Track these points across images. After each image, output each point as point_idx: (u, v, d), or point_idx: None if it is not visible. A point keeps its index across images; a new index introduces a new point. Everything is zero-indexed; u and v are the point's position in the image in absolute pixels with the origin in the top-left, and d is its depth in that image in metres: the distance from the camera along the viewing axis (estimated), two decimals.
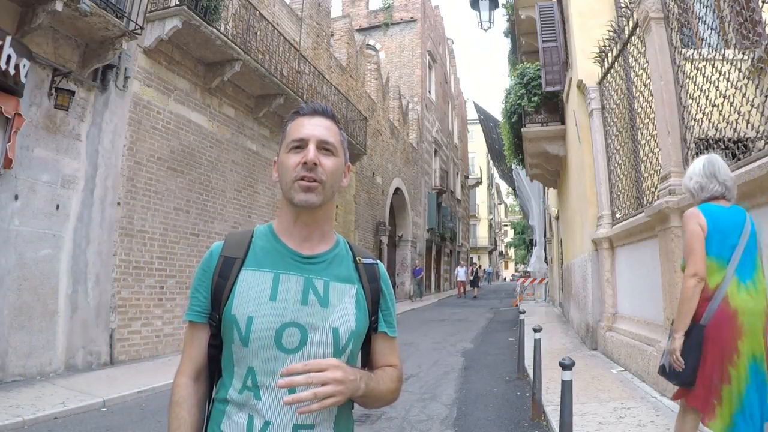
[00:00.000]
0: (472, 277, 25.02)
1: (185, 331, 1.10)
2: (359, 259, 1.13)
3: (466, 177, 38.71)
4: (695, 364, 2.26)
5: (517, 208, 40.55)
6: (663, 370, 2.44)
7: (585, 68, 7.18)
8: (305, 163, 1.01)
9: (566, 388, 2.98)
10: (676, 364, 2.30)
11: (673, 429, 3.41)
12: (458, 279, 24.65)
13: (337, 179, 1.06)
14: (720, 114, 3.59)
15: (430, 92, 26.19)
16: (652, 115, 4.92)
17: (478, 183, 44.20)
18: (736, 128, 3.39)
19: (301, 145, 1.03)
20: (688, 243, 2.32)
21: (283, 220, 1.09)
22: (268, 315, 0.98)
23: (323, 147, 1.04)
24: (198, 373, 1.06)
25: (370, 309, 1.09)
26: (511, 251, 59.61)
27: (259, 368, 0.97)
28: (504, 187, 49.13)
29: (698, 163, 2.49)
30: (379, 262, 1.18)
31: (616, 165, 6.52)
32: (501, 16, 17.61)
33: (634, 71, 5.53)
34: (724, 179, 2.40)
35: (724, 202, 2.39)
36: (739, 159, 3.30)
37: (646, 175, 5.24)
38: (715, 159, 2.47)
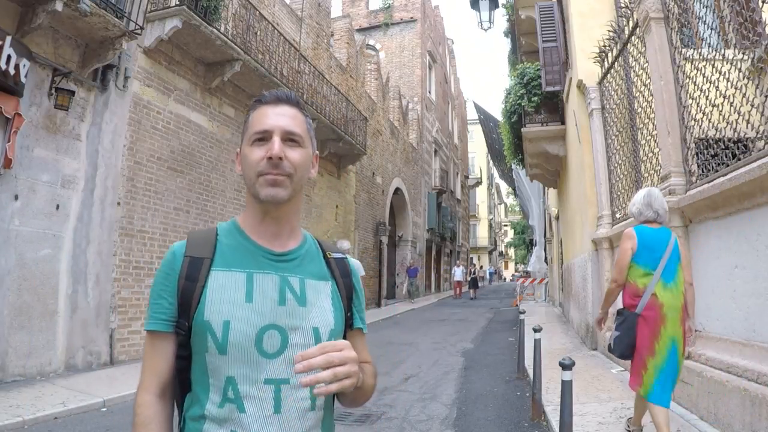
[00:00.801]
0: (470, 278, 24.36)
1: (145, 342, 0.99)
2: (330, 254, 1.08)
3: (466, 177, 38.71)
4: (632, 342, 3.00)
5: (517, 208, 40.55)
6: (609, 347, 3.20)
7: (585, 68, 7.18)
8: (270, 158, 0.94)
9: (566, 388, 2.98)
10: (597, 328, 3.28)
11: (672, 428, 3.44)
12: (455, 279, 24.02)
13: (304, 171, 1.00)
14: (720, 114, 3.59)
15: (430, 92, 26.19)
16: (652, 115, 4.92)
17: (478, 183, 44.21)
18: (736, 128, 3.39)
19: (264, 137, 0.96)
20: (619, 257, 3.12)
21: (249, 217, 1.02)
22: (246, 318, 0.91)
23: (289, 138, 0.97)
24: (163, 388, 0.96)
25: (345, 305, 1.05)
26: (511, 251, 59.64)
27: (240, 377, 0.90)
28: (504, 187, 49.12)
29: (640, 194, 3.24)
30: (348, 256, 1.13)
31: (616, 165, 6.52)
32: (501, 16, 17.62)
33: (634, 71, 5.53)
34: (656, 208, 3.13)
35: (656, 225, 3.13)
36: (739, 159, 3.30)
37: (646, 175, 5.23)
38: (653, 192, 3.21)
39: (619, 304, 3.22)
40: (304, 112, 1.03)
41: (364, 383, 0.98)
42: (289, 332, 0.93)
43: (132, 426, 0.93)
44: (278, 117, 0.98)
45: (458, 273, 23.79)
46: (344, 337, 1.04)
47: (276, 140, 0.95)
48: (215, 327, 0.90)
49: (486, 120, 19.73)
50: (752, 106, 3.21)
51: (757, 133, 3.18)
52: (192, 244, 0.99)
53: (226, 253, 0.98)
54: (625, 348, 3.05)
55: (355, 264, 5.08)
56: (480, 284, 37.65)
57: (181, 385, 0.97)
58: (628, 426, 3.53)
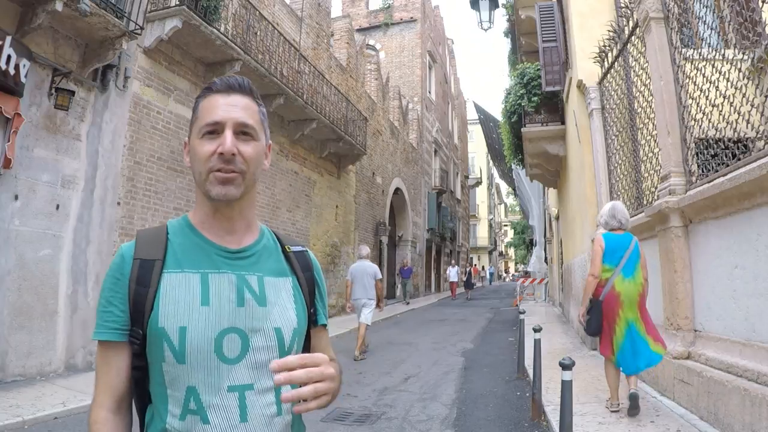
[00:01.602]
0: (465, 278, 23.57)
1: (97, 354, 0.93)
2: (288, 248, 1.03)
3: (466, 177, 38.71)
4: (599, 322, 3.88)
5: (517, 208, 40.56)
6: (583, 328, 4.08)
7: (585, 68, 7.18)
8: (221, 153, 0.88)
9: (566, 388, 2.99)
10: (582, 322, 3.99)
11: (672, 428, 3.46)
12: (450, 280, 23.42)
13: (258, 165, 0.94)
14: (720, 114, 3.59)
15: (430, 92, 26.19)
16: (652, 115, 4.92)
17: (478, 183, 44.20)
18: (736, 128, 3.39)
19: (216, 129, 0.90)
20: (592, 256, 3.98)
21: (200, 212, 0.96)
22: (203, 323, 0.86)
23: (241, 131, 0.91)
24: (119, 403, 0.90)
25: (308, 301, 1.00)
26: (511, 251, 59.71)
27: (202, 386, 0.85)
28: (504, 187, 49.13)
29: (606, 207, 4.12)
30: (308, 249, 1.08)
31: (616, 165, 6.52)
32: (501, 16, 17.61)
33: (634, 71, 5.53)
34: (619, 218, 4.01)
35: (620, 231, 3.99)
36: (739, 159, 3.30)
37: (646, 175, 5.24)
38: (617, 205, 4.09)
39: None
40: (257, 101, 0.97)
41: (336, 389, 0.93)
42: (250, 335, 0.89)
43: None
44: (230, 108, 0.91)
45: (453, 273, 23.21)
46: (308, 334, 1.01)
47: (228, 134, 0.89)
48: (171, 334, 0.85)
49: (486, 120, 19.73)
50: (752, 106, 3.21)
51: (757, 133, 3.18)
52: (141, 245, 0.93)
53: (178, 253, 0.92)
54: (595, 328, 3.92)
55: (373, 268, 5.28)
56: (480, 284, 37.65)
57: (140, 397, 0.92)
58: (609, 406, 4.02)
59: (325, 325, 1.07)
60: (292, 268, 1.01)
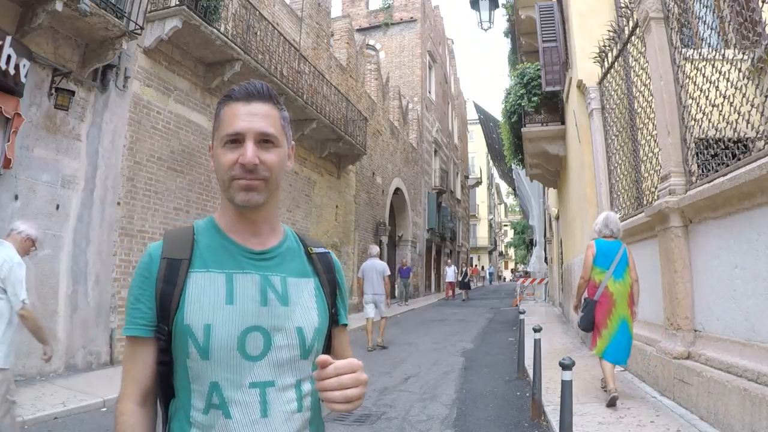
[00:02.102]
0: (461, 279, 22.99)
1: (125, 349, 0.96)
2: (311, 250, 1.05)
3: (466, 177, 38.70)
4: (591, 319, 4.32)
5: (517, 208, 40.56)
6: (579, 324, 4.52)
7: (585, 68, 7.18)
8: (243, 164, 0.90)
9: (566, 388, 2.99)
10: (575, 312, 4.61)
11: (672, 428, 3.46)
12: (447, 280, 22.88)
13: (280, 171, 0.96)
14: (720, 114, 3.59)
15: (430, 92, 26.18)
16: (652, 115, 4.92)
17: (478, 183, 44.19)
18: (736, 128, 3.39)
19: (237, 139, 0.92)
20: (584, 261, 4.45)
21: (226, 216, 0.99)
22: (227, 321, 0.89)
23: (263, 139, 0.93)
24: (145, 396, 0.93)
25: (330, 302, 1.03)
26: (511, 251, 59.72)
27: (225, 382, 0.88)
28: (504, 187, 49.13)
29: (600, 217, 4.56)
30: (330, 251, 1.11)
31: (616, 165, 6.52)
32: (501, 16, 17.61)
33: (634, 71, 5.53)
34: (611, 227, 4.42)
35: (611, 238, 4.42)
36: (739, 159, 3.30)
37: (646, 175, 5.23)
38: (610, 215, 4.53)
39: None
40: (278, 106, 0.98)
41: None
42: (273, 334, 0.91)
43: None
44: (251, 118, 0.92)
45: (450, 273, 22.74)
46: (329, 334, 1.03)
47: (249, 145, 0.91)
48: (196, 331, 0.88)
49: (486, 120, 19.73)
50: (752, 106, 3.20)
51: (757, 133, 3.18)
52: (168, 245, 0.95)
53: (204, 254, 0.95)
54: (587, 324, 4.36)
55: (383, 265, 5.33)
56: (480, 284, 37.60)
57: (165, 391, 0.95)
58: (608, 394, 4.19)
59: (345, 325, 1.10)
60: (315, 269, 1.03)
